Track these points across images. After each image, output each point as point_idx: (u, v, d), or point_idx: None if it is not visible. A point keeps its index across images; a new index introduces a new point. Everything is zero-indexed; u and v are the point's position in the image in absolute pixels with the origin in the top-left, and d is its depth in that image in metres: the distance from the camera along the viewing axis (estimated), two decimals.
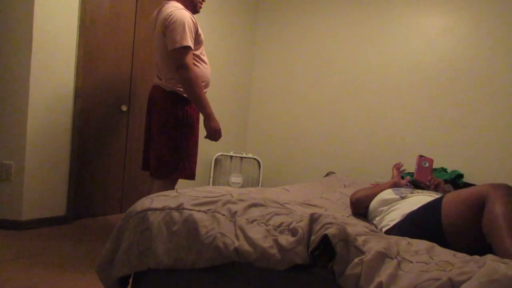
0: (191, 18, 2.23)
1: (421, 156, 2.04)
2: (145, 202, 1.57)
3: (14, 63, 2.80)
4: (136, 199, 1.68)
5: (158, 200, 1.57)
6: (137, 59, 3.52)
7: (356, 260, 1.11)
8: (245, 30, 4.61)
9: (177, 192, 1.63)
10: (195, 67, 2.23)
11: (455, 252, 1.17)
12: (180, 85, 2.26)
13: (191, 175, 2.35)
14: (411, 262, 1.08)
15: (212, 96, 4.26)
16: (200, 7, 2.44)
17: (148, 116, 2.45)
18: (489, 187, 1.31)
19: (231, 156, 4.28)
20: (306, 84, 4.42)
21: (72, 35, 2.99)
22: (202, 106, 2.26)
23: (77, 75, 3.02)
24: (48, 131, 2.91)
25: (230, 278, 1.37)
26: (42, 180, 2.90)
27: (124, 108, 3.42)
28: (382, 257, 1.11)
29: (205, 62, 2.38)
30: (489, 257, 1.07)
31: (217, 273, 1.38)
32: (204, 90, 2.33)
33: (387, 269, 1.07)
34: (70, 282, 1.98)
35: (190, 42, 2.17)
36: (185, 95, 2.27)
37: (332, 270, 1.15)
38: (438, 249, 1.18)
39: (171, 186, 2.30)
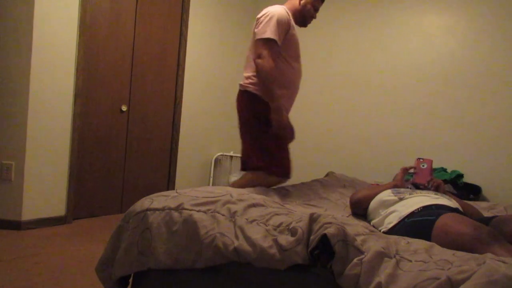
0: (287, 17, 2.16)
1: (419, 158, 2.02)
2: (145, 202, 1.57)
3: (14, 63, 2.80)
4: (136, 199, 1.69)
5: (158, 200, 1.57)
6: (137, 59, 3.52)
7: (355, 260, 1.11)
8: (245, 30, 4.60)
9: (177, 192, 1.63)
10: (274, 63, 2.13)
11: (455, 251, 1.16)
12: (252, 84, 2.22)
13: (282, 173, 2.27)
14: (410, 261, 1.08)
15: (212, 95, 4.27)
16: (309, 22, 2.41)
17: None
18: (473, 238, 1.25)
19: (231, 156, 4.28)
20: (305, 84, 4.41)
21: (72, 35, 2.99)
22: (270, 98, 2.15)
23: (77, 75, 3.03)
24: (48, 131, 2.91)
25: (230, 278, 1.37)
26: (42, 180, 2.90)
27: (124, 108, 3.42)
28: (381, 256, 1.11)
29: (291, 66, 2.29)
30: (489, 255, 1.07)
31: (217, 273, 1.38)
32: (282, 90, 2.25)
33: (386, 268, 1.07)
34: (70, 282, 1.99)
35: (274, 35, 2.08)
36: (257, 92, 2.20)
37: (332, 270, 1.15)
38: (437, 248, 1.18)
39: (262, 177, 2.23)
